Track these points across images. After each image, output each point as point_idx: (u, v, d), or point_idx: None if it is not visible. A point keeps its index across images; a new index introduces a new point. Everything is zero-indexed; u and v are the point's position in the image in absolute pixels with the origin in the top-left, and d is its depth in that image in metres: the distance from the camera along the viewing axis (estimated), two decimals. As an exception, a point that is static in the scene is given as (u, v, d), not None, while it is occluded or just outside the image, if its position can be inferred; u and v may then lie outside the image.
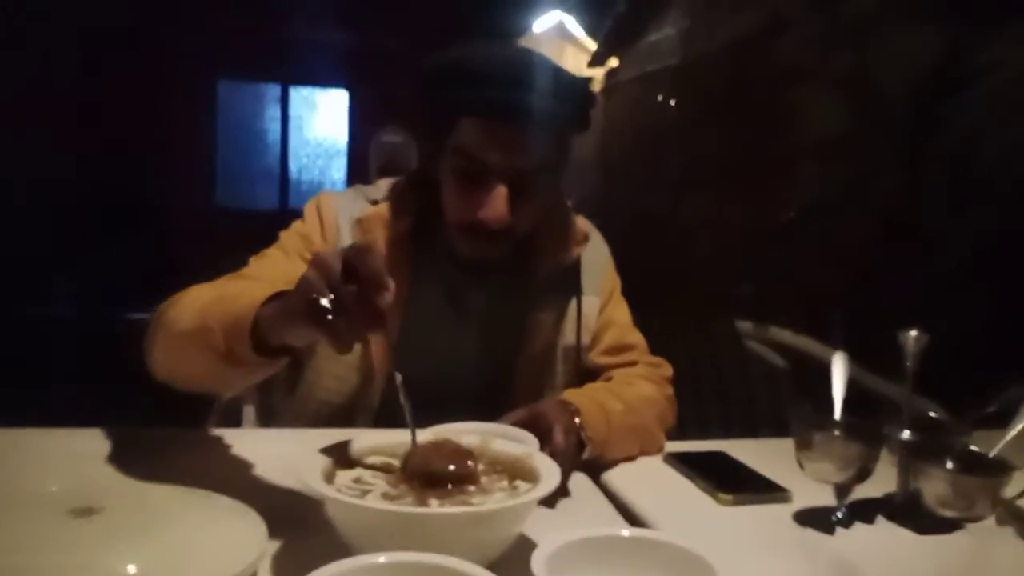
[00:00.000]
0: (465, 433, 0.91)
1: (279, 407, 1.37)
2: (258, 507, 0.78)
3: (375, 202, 1.28)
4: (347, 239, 1.25)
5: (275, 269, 1.20)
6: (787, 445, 1.37)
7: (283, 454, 0.97)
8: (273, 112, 6.82)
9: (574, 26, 6.53)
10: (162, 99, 6.31)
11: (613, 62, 5.48)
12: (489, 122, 1.14)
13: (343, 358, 1.23)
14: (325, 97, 6.89)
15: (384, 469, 0.82)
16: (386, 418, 1.24)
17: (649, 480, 1.11)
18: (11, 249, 5.66)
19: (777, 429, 2.23)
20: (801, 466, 0.96)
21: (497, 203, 1.14)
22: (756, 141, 2.96)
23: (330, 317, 0.74)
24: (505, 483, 0.81)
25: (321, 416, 1.25)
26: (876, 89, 2.52)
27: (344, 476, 0.79)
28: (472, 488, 0.79)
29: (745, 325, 2.25)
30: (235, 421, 1.41)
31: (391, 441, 0.87)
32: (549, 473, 0.80)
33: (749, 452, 1.21)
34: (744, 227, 2.92)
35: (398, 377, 0.82)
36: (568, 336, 1.32)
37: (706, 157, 3.15)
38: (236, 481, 0.95)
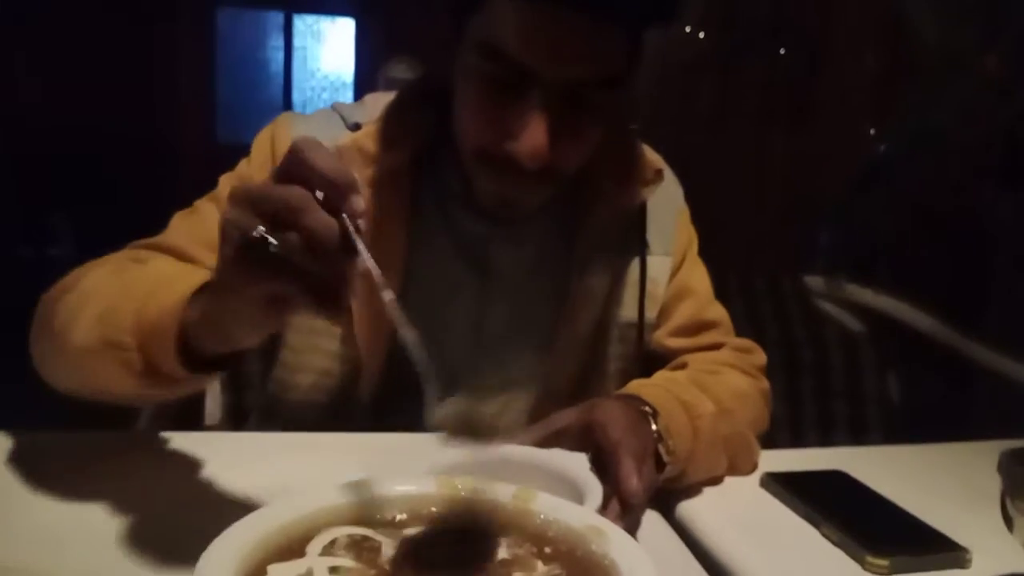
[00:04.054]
0: (485, 475, 0.58)
1: (250, 404, 1.05)
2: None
3: (357, 126, 0.91)
4: None
5: (203, 230, 0.86)
6: (909, 454, 1.07)
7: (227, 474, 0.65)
8: (276, 42, 6.37)
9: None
10: (159, 28, 5.92)
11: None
12: (533, 5, 0.74)
13: (320, 345, 0.90)
14: (331, 26, 6.44)
15: (356, 551, 0.49)
16: (382, 417, 0.91)
17: (749, 522, 0.77)
18: (5, 188, 5.41)
19: (851, 405, 1.93)
20: (1011, 525, 0.62)
21: (534, 133, 0.76)
22: (833, 59, 2.55)
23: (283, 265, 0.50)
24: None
25: (300, 420, 0.92)
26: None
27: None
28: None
29: (815, 281, 1.90)
30: (194, 418, 1.07)
31: (373, 496, 0.53)
32: (633, 564, 0.46)
33: (867, 467, 0.89)
34: (815, 164, 2.52)
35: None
36: (627, 309, 0.97)
37: (758, 86, 2.74)
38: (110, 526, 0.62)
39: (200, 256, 0.84)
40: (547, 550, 0.50)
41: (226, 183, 0.92)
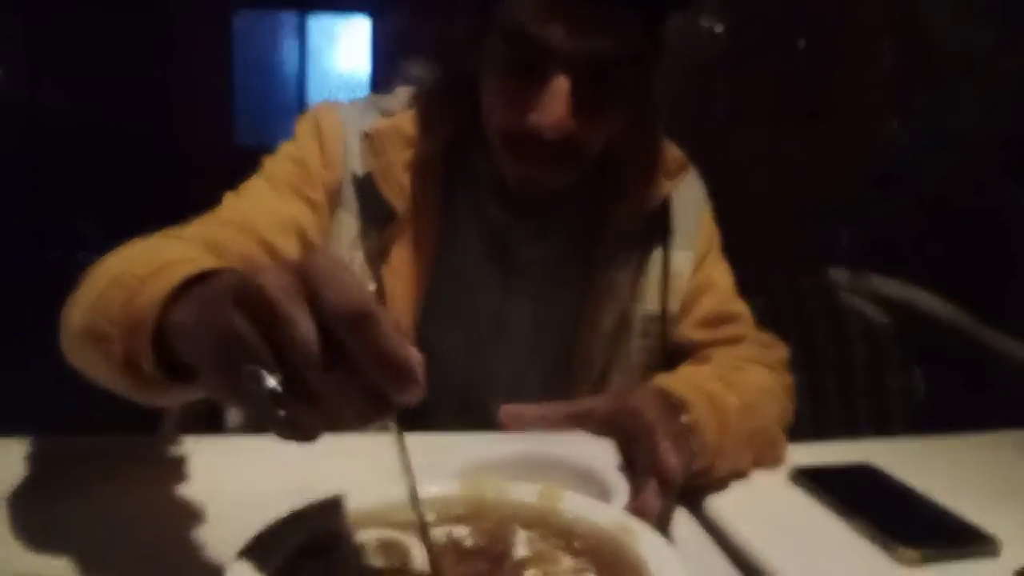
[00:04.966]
0: (506, 474, 0.58)
1: None
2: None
3: (392, 114, 0.93)
4: (356, 161, 0.91)
5: (259, 206, 0.87)
6: (936, 445, 1.05)
7: (250, 482, 0.65)
8: (291, 43, 6.41)
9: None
10: (176, 33, 5.96)
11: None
12: None
13: None
14: (345, 26, 6.46)
15: (386, 552, 0.49)
16: (411, 416, 0.91)
17: (779, 518, 0.77)
18: (30, 192, 5.47)
19: (875, 399, 1.90)
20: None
21: (555, 102, 0.78)
22: (851, 54, 2.51)
23: (268, 388, 0.38)
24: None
25: None
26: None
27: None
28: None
29: (839, 274, 1.88)
30: (219, 419, 1.06)
31: (399, 499, 0.53)
32: (662, 561, 0.46)
33: (894, 459, 0.88)
34: (834, 161, 2.49)
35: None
36: (650, 302, 0.97)
37: (775, 82, 2.70)
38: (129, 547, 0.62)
39: (262, 226, 0.84)
40: (575, 544, 0.50)
41: (272, 163, 0.93)
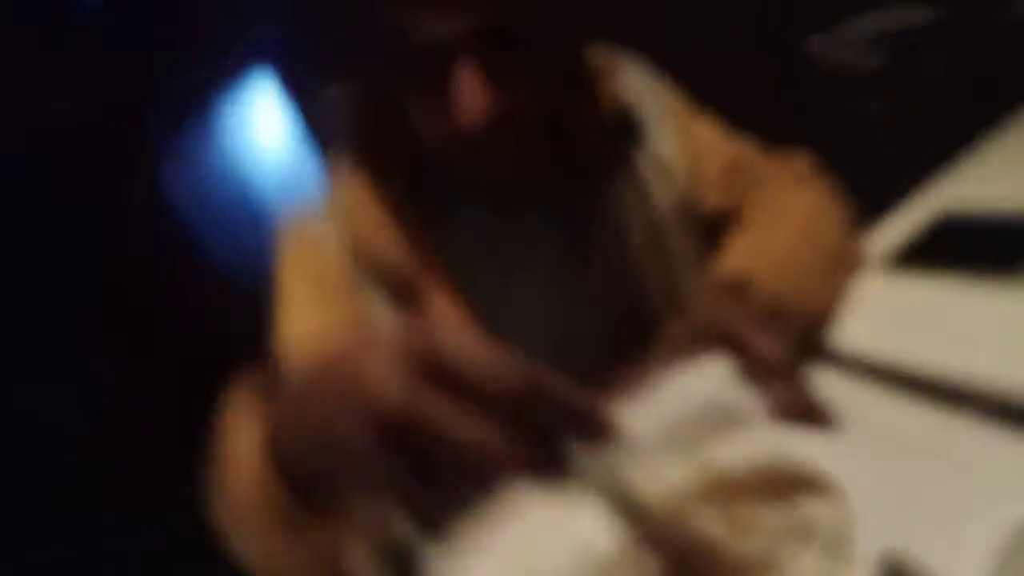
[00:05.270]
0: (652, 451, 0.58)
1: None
2: None
3: (343, 195, 0.92)
4: (346, 252, 0.90)
5: (309, 324, 0.87)
6: (986, 156, 1.00)
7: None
8: (216, 150, 6.38)
9: None
10: (107, 198, 5.92)
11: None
12: None
13: None
14: (252, 86, 6.34)
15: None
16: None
17: (895, 313, 0.75)
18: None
19: (903, 143, 1.77)
20: None
21: (470, 95, 0.74)
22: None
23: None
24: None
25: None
26: None
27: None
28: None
29: (818, 38, 1.78)
30: None
31: (605, 548, 0.53)
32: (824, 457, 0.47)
33: (960, 190, 0.88)
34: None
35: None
36: (661, 199, 0.94)
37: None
38: None
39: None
40: (751, 490, 0.51)
41: (287, 294, 0.91)
